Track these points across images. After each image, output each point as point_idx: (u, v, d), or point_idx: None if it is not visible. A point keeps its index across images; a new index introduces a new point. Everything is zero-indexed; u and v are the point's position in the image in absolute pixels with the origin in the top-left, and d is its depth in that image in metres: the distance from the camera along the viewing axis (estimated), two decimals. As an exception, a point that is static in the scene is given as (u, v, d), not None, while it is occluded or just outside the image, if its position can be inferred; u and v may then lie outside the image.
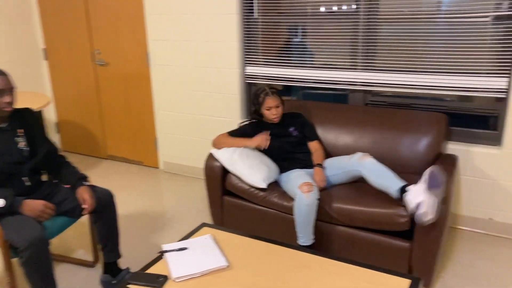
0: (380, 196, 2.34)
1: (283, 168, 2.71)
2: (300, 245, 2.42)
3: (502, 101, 2.72)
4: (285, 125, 2.77)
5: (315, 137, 2.82)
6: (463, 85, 2.73)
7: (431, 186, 2.11)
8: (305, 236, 2.40)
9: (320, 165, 2.59)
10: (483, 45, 2.65)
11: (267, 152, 2.72)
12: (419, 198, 2.07)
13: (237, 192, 2.70)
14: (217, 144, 2.80)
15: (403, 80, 2.90)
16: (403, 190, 2.22)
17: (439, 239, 2.14)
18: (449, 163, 2.50)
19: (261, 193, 2.58)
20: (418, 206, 2.06)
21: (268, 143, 2.65)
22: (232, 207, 2.77)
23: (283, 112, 2.76)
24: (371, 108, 2.94)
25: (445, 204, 2.10)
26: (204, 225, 2.20)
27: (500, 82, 2.64)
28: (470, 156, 2.78)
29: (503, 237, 2.82)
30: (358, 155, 2.47)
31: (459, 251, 2.67)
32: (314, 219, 2.36)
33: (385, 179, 2.31)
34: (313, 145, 2.78)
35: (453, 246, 2.72)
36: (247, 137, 2.73)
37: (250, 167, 2.60)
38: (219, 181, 2.75)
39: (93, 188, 2.23)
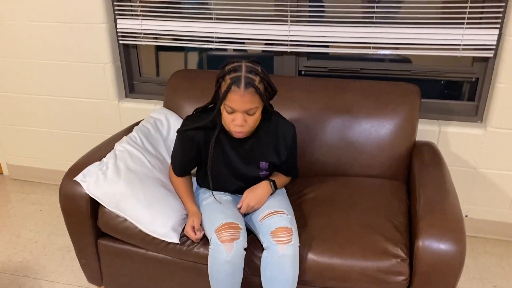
0: (363, 237, 1.49)
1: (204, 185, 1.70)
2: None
3: (486, 61, 1.99)
4: (254, 149, 1.56)
5: (290, 175, 1.70)
6: (435, 41, 1.92)
7: None
8: None
9: (272, 182, 1.58)
10: (464, -18, 1.84)
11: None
12: None
13: (118, 236, 1.66)
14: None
15: (352, 36, 2.00)
16: None
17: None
18: (435, 163, 1.72)
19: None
20: None
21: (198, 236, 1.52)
22: (114, 256, 1.72)
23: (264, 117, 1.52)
24: (309, 79, 2.02)
25: (460, 244, 1.31)
26: None
27: (487, 36, 1.88)
28: (444, 138, 2.05)
29: (480, 237, 2.21)
30: (276, 224, 1.42)
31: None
32: (240, 281, 1.45)
33: None
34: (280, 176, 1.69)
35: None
36: (189, 157, 1.59)
37: (149, 206, 1.55)
38: (87, 218, 1.67)
39: None
